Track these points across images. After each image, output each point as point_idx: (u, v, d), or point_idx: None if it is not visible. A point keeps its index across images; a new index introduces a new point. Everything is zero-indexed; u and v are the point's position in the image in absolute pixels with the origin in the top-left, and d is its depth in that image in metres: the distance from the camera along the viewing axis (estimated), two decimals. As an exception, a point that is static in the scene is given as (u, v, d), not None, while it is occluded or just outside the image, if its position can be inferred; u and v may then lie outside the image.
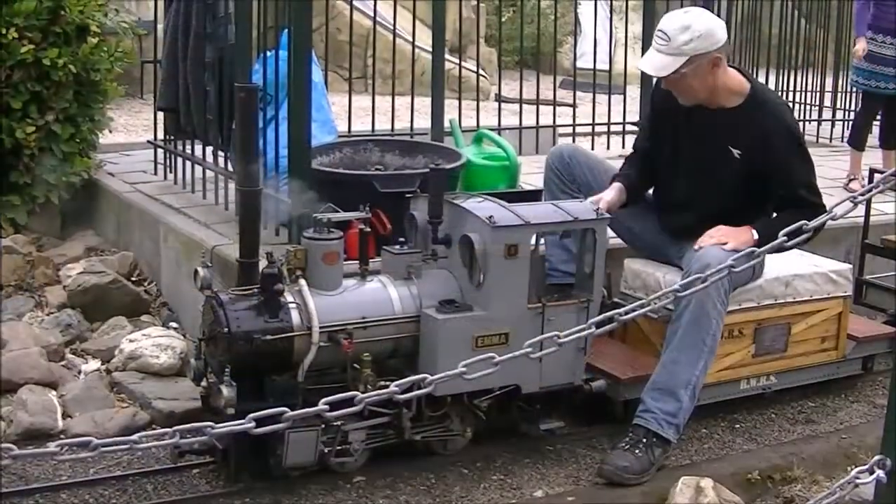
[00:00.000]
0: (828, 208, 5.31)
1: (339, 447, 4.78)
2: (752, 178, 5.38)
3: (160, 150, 7.50)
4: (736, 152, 5.39)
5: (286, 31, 5.93)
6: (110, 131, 7.89)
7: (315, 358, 4.64)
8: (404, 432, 4.87)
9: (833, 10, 11.69)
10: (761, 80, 10.74)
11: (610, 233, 5.33)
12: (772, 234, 5.25)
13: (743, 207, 5.41)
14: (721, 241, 5.20)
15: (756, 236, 5.21)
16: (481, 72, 11.62)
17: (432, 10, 7.22)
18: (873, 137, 11.14)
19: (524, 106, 9.05)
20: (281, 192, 5.81)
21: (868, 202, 6.46)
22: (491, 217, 4.75)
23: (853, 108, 11.54)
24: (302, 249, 4.76)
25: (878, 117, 9.24)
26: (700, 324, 5.12)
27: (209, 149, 6.71)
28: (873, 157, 9.01)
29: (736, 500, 4.76)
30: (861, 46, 8.81)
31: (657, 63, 5.29)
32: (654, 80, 5.63)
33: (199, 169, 6.82)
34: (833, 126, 11.21)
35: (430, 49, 7.27)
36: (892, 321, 6.48)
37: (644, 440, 5.10)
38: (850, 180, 8.65)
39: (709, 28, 5.25)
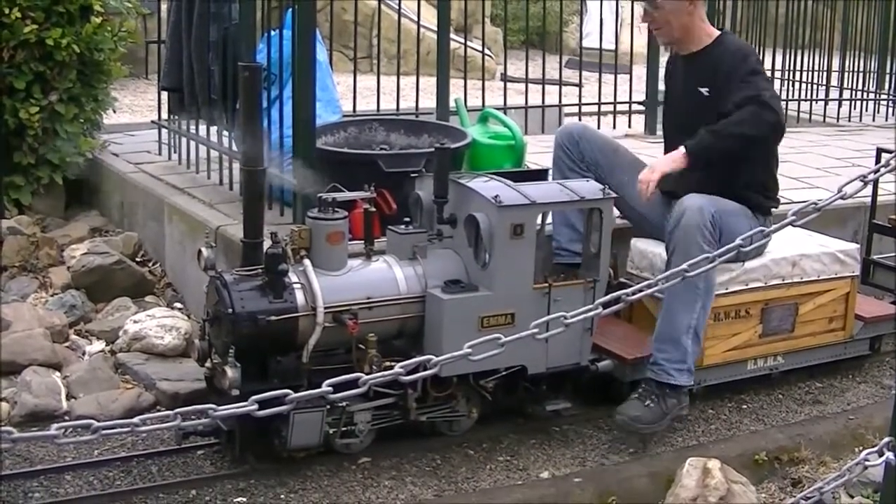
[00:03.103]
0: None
1: (344, 428, 4.77)
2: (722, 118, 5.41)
3: (164, 131, 7.47)
4: (704, 91, 5.52)
5: (290, 10, 5.90)
6: (114, 111, 7.88)
7: (320, 338, 4.62)
8: (410, 413, 4.86)
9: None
10: (768, 59, 10.81)
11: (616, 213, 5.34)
12: (703, 143, 5.29)
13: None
14: (650, 176, 5.34)
15: (684, 150, 5.32)
16: (487, 51, 11.60)
17: (438, -10, 7.19)
18: (880, 117, 11.14)
19: (530, 85, 9.02)
20: (285, 171, 5.79)
21: (876, 182, 6.42)
22: (497, 196, 4.73)
23: (859, 87, 11.52)
24: (306, 229, 4.74)
25: None
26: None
27: (213, 129, 6.68)
28: (880, 137, 8.97)
29: (743, 481, 4.74)
30: None
31: None
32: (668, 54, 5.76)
33: (203, 149, 6.79)
34: (840, 105, 11.17)
35: (436, 28, 7.24)
36: (899, 301, 6.46)
37: (657, 392, 5.19)
38: None
39: None
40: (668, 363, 5.20)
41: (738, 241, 3.58)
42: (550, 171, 5.73)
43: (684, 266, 3.57)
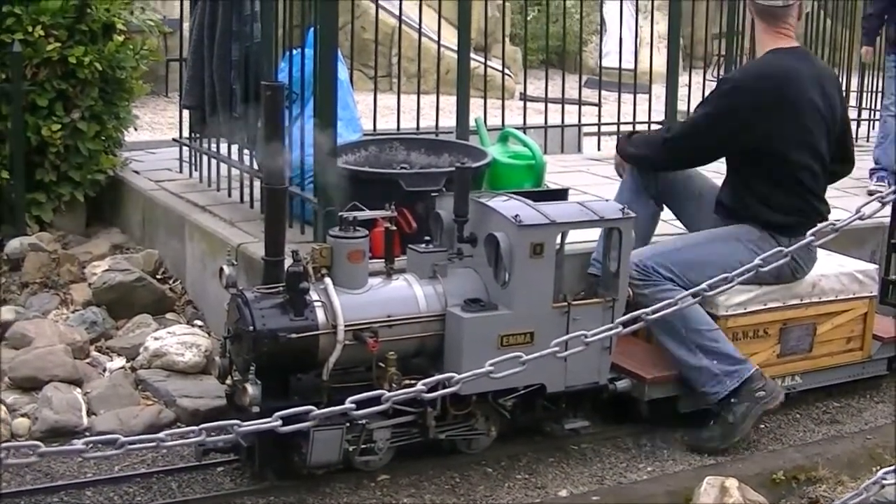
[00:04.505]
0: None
1: (363, 446, 4.78)
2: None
3: (185, 148, 7.51)
4: None
5: (312, 29, 5.94)
6: (135, 129, 7.93)
7: (340, 356, 4.64)
8: (429, 431, 4.86)
9: (858, 11, 11.64)
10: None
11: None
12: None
13: (736, 173, 5.62)
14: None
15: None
16: (506, 71, 11.63)
17: (458, 9, 7.22)
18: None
19: (549, 105, 9.04)
20: (306, 190, 5.81)
21: (894, 202, 6.41)
22: (517, 216, 4.75)
23: (877, 108, 11.50)
24: (327, 248, 4.76)
25: None
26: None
27: (234, 147, 6.71)
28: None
29: (761, 501, 4.74)
30: None
31: None
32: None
33: (224, 167, 6.83)
34: (858, 126, 11.15)
35: (456, 48, 7.27)
36: (917, 322, 6.44)
37: (716, 413, 5.35)
38: None
39: None
40: (703, 387, 5.33)
41: (756, 262, 3.60)
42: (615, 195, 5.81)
43: (704, 286, 3.59)
